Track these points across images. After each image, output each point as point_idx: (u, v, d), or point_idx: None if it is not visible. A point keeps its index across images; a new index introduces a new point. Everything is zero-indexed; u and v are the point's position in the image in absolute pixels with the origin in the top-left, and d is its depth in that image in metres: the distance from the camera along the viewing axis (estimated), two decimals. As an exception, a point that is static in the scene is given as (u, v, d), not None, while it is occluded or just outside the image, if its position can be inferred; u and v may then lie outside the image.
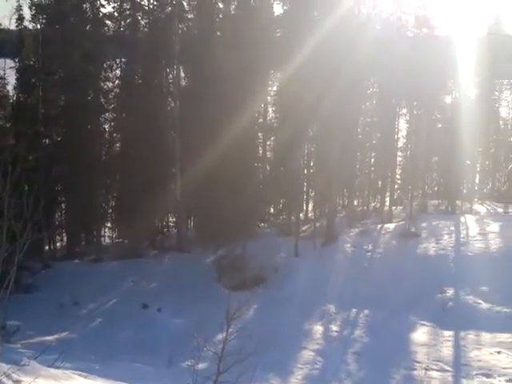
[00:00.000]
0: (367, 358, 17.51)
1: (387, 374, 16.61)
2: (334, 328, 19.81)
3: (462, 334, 18.76)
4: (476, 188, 43.21)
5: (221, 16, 31.29)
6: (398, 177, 34.22)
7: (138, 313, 21.32)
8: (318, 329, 19.68)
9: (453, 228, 26.78)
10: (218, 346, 12.50)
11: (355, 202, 35.68)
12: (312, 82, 25.70)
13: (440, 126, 38.73)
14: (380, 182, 35.33)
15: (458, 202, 34.10)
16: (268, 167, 32.27)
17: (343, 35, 26.99)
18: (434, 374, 16.62)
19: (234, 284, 22.54)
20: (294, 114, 26.66)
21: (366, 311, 20.66)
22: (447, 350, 18.00)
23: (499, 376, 16.31)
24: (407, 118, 39.41)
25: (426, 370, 16.68)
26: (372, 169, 34.67)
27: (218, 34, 30.28)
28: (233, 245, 25.16)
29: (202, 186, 25.83)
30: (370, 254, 25.38)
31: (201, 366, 14.60)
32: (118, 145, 32.36)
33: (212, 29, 29.68)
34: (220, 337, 12.65)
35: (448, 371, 16.78)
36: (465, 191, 37.08)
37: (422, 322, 19.70)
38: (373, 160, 35.19)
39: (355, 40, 27.80)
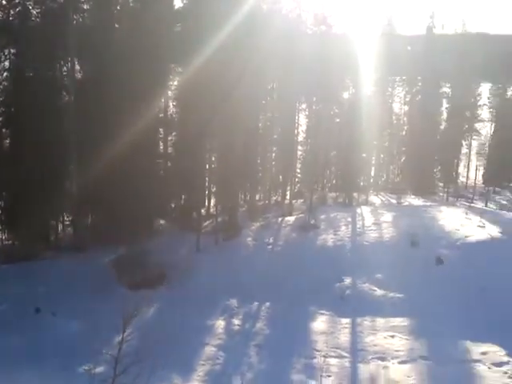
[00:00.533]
0: (268, 349, 17.70)
1: (288, 364, 16.86)
2: (236, 322, 19.83)
3: (359, 320, 19.47)
4: (372, 180, 45.23)
5: (119, 8, 30.36)
6: (298, 171, 35.03)
7: (31, 318, 20.11)
8: (220, 324, 19.63)
9: (350, 219, 27.79)
10: (117, 348, 12.18)
11: (257, 197, 36.06)
12: (212, 77, 25.59)
13: (338, 120, 40.01)
14: (281, 177, 35.90)
15: (355, 194, 35.42)
16: (169, 163, 31.75)
17: (244, 31, 27.08)
18: (333, 360, 17.08)
19: (135, 283, 21.96)
20: (194, 109, 26.44)
21: (268, 303, 20.89)
22: (345, 337, 18.58)
23: (393, 359, 17.10)
24: (307, 113, 40.42)
25: (325, 357, 17.09)
26: (273, 163, 35.12)
27: (116, 26, 29.38)
28: (133, 242, 24.46)
29: (101, 183, 24.85)
30: (270, 247, 25.72)
31: (98, 369, 14.17)
32: (7, 141, 30.40)
33: (110, 20, 28.70)
34: (119, 338, 12.35)
35: (346, 357, 17.32)
36: (362, 184, 38.64)
37: (322, 311, 20.21)
38: (274, 154, 35.65)
39: (257, 36, 28.04)
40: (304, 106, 40.45)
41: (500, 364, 16.54)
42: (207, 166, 31.36)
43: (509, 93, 66.78)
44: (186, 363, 16.85)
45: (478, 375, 16.11)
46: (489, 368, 16.39)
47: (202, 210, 30.46)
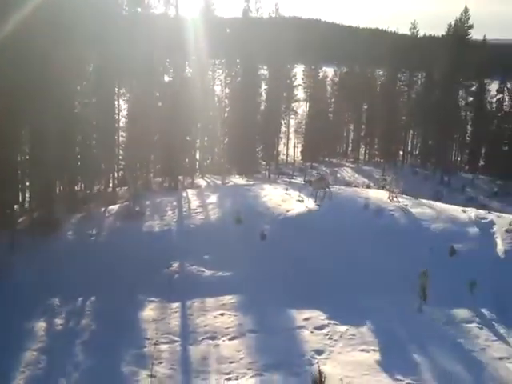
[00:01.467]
0: (96, 345, 16.90)
1: (118, 357, 16.26)
2: (59, 322, 18.59)
3: (189, 303, 19.46)
4: (197, 163, 45.64)
5: None
6: (120, 157, 33.91)
7: None
8: (42, 325, 18.26)
9: (175, 203, 27.65)
10: None
11: (77, 187, 34.22)
12: (15, 60, 23.44)
13: (160, 104, 39.50)
14: (103, 164, 34.44)
15: (181, 178, 35.39)
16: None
17: (51, 10, 25.17)
18: (164, 347, 16.85)
19: None
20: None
21: (93, 298, 19.96)
22: (175, 322, 18.44)
23: (223, 336, 17.38)
24: (127, 97, 39.25)
25: (156, 344, 16.79)
26: (94, 151, 33.51)
27: None
28: None
29: None
30: (94, 238, 24.60)
31: None
32: None
33: None
34: None
35: (176, 341, 17.20)
36: (187, 167, 38.73)
37: (151, 299, 19.83)
38: (94, 142, 34.03)
39: (65, 16, 26.24)
40: (123, 90, 39.24)
41: (321, 327, 17.70)
42: (19, 158, 28.92)
43: (321, 74, 71.89)
44: (3, 372, 15.41)
45: (303, 340, 17.09)
46: (311, 332, 17.46)
47: (16, 206, 28.08)
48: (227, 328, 17.85)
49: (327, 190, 26.72)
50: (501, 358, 15.88)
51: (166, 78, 43.16)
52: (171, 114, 37.05)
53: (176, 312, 19.03)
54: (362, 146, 76.80)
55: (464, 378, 14.85)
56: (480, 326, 17.84)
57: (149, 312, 19.06)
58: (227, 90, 53.28)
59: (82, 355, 16.48)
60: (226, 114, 50.62)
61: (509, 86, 70.41)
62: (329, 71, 77.85)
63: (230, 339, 17.24)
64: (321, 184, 27.10)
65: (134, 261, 22.06)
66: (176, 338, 17.39)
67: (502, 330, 17.57)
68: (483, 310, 18.70)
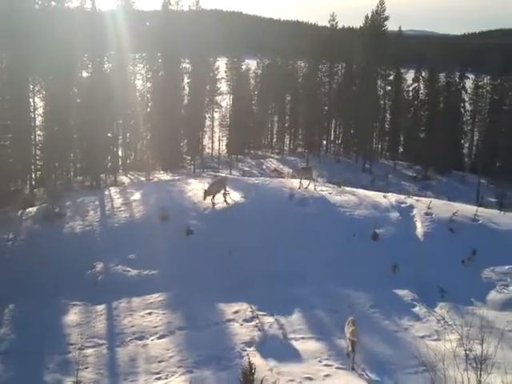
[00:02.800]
0: (16, 355, 16.15)
1: (41, 365, 15.68)
2: (-25, 333, 17.65)
3: (115, 304, 18.96)
4: (120, 160, 44.50)
5: None
6: (38, 157, 32.52)
7: None
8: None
9: (98, 203, 26.77)
10: None
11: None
12: None
13: (79, 101, 38.26)
14: (19, 166, 32.90)
15: (103, 176, 34.39)
16: None
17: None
18: (89, 351, 16.37)
19: None
20: None
21: (12, 305, 19.01)
22: (101, 324, 17.94)
23: (151, 335, 17.11)
24: (43, 94, 37.72)
25: (81, 349, 16.22)
26: (9, 151, 31.94)
27: None
28: None
29: None
30: (11, 243, 23.39)
31: None
32: None
33: None
34: None
35: (103, 344, 16.76)
36: (109, 164, 37.68)
37: (74, 303, 19.15)
38: (8, 142, 32.41)
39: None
40: (39, 87, 37.63)
41: (250, 319, 17.77)
42: None
43: (243, 66, 71.93)
44: None
45: (233, 333, 17.10)
46: (241, 324, 17.51)
47: None
48: (155, 327, 17.56)
49: (313, 179, 27.64)
50: (422, 337, 16.55)
51: (85, 74, 41.83)
52: (91, 111, 35.91)
53: (101, 314, 18.50)
54: (287, 137, 77.62)
55: (389, 358, 15.35)
56: (403, 306, 18.49)
57: (72, 316, 18.41)
58: (149, 85, 52.22)
59: (1, 366, 15.71)
60: (148, 109, 49.58)
61: (424, 74, 73.25)
62: (251, 64, 78.07)
63: (158, 338, 16.97)
64: (306, 173, 27.86)
65: (56, 264, 21.19)
66: (102, 341, 16.92)
67: (423, 310, 18.30)
68: (406, 291, 19.39)
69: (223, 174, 38.10)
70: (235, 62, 68.52)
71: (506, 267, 21.01)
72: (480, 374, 10.16)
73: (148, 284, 20.13)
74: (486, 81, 68.90)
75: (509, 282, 20.29)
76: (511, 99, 66.64)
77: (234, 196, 26.20)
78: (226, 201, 25.18)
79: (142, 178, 36.86)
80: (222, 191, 25.21)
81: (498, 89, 66.97)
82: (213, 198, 24.88)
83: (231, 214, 24.30)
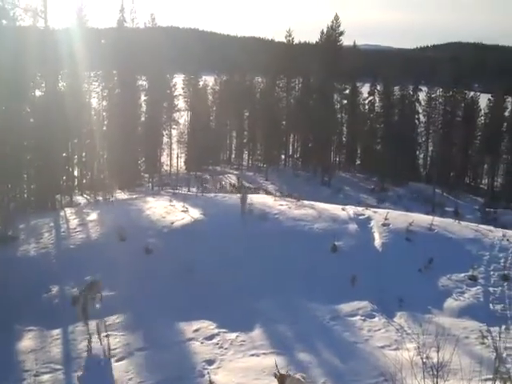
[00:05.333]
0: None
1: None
2: None
3: (71, 328, 18.38)
4: (76, 180, 43.75)
5: None
6: (-11, 179, 31.59)
7: None
8: None
9: (52, 224, 26.17)
10: None
11: None
12: None
13: (32, 120, 37.53)
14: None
15: (58, 197, 33.69)
16: None
17: None
18: (45, 377, 15.80)
19: None
20: None
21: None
22: (57, 349, 17.35)
23: (110, 358, 16.66)
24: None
25: (36, 376, 15.72)
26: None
27: None
28: None
29: None
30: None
31: None
32: None
33: None
34: None
35: (59, 370, 16.20)
36: (65, 185, 36.96)
37: (29, 328, 18.48)
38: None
39: None
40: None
41: (211, 337, 17.54)
42: None
43: (201, 82, 72.12)
44: None
45: (193, 352, 16.82)
46: (201, 343, 17.23)
47: None
48: (114, 349, 17.11)
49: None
50: (382, 347, 16.65)
51: (38, 93, 41.08)
52: (44, 131, 35.20)
53: (57, 339, 17.91)
54: (245, 152, 77.95)
55: (350, 370, 15.37)
56: (363, 318, 18.63)
57: (27, 342, 17.76)
58: (105, 103, 51.71)
59: (-50, 399, 15.04)
60: (104, 128, 49.01)
61: (379, 88, 74.94)
62: (209, 80, 78.26)
63: (117, 360, 16.54)
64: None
65: (8, 289, 20.49)
66: (58, 367, 16.37)
67: (383, 320, 18.46)
68: (365, 302, 19.54)
69: (183, 192, 37.83)
70: (192, 79, 68.71)
71: (462, 274, 21.47)
72: (437, 382, 10.27)
73: (105, 306, 19.62)
74: (438, 93, 71.07)
75: (465, 289, 20.71)
76: (463, 111, 68.81)
77: (193, 213, 26.05)
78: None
79: (99, 198, 36.23)
80: None
81: (451, 100, 69.09)
82: None
83: (191, 231, 24.13)
